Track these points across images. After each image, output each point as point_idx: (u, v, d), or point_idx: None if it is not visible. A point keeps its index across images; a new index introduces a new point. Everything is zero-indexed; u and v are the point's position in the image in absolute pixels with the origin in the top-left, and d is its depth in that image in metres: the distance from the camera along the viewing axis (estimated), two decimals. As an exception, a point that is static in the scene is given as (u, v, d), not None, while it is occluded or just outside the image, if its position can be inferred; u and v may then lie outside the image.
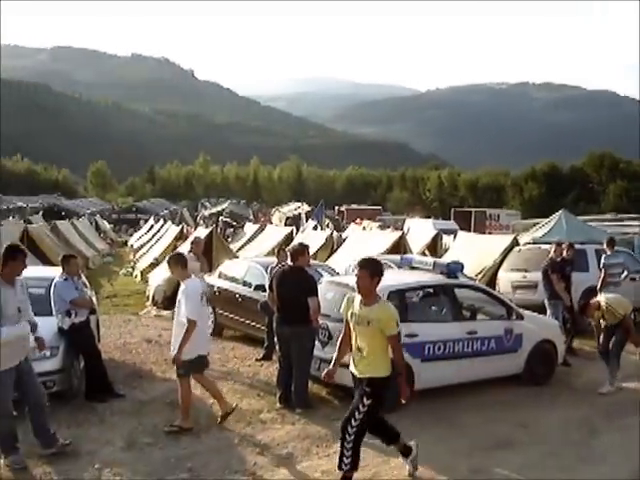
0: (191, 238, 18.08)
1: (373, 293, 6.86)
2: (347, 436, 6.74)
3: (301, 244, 10.72)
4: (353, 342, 6.99)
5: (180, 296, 8.57)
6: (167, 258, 9.51)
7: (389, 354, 6.84)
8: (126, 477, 7.16)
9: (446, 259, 14.61)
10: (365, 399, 6.74)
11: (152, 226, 46.40)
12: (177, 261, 8.83)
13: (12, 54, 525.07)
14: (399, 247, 20.50)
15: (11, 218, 48.42)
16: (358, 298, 6.94)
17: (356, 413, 6.74)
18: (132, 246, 44.34)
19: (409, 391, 7.05)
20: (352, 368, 7.03)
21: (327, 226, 40.97)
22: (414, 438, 7.50)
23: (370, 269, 6.82)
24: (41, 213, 57.67)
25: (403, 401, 6.93)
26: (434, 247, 22.87)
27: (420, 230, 30.08)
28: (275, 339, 10.16)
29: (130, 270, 30.96)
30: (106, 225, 57.71)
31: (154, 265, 25.55)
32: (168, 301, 18.65)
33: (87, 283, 11.12)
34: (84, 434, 8.39)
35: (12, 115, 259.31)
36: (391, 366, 6.87)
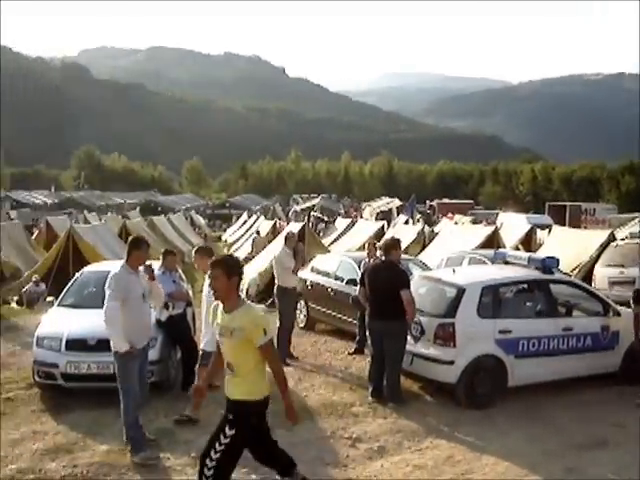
0: (284, 233, 18.27)
1: (233, 297, 5.57)
2: (205, 470, 5.53)
3: (393, 238, 10.72)
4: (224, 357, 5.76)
5: (207, 289, 8.56)
6: (195, 249, 9.76)
7: (266, 371, 5.68)
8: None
9: (541, 254, 14.34)
10: (227, 428, 5.55)
11: (245, 221, 47.10)
12: (207, 253, 9.08)
13: (109, 55, 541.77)
14: (492, 242, 20.25)
15: (110, 214, 50.07)
16: (221, 306, 5.72)
17: (216, 444, 5.53)
18: (226, 241, 45.13)
19: (296, 415, 5.91)
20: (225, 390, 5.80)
21: (418, 221, 40.80)
22: (507, 436, 7.42)
23: (226, 267, 5.52)
24: (138, 209, 59.43)
25: (291, 424, 5.97)
26: (528, 242, 22.49)
27: (513, 225, 29.64)
28: (367, 333, 10.20)
29: (224, 265, 31.43)
30: (201, 220, 58.89)
31: (248, 259, 25.96)
32: (262, 294, 18.97)
33: (183, 277, 11.38)
34: (182, 423, 8.60)
35: (109, 114, 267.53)
36: (267, 387, 5.74)
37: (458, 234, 23.47)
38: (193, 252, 9.86)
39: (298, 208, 66.43)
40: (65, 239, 21.64)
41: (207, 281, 8.51)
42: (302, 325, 14.98)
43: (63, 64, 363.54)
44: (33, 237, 30.86)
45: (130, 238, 8.13)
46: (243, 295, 17.62)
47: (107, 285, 7.54)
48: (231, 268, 5.53)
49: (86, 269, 12.59)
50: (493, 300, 9.69)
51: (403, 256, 12.45)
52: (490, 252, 15.02)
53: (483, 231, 22.22)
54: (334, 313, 14.16)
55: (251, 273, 21.01)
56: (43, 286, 19.95)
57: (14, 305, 19.76)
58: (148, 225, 33.91)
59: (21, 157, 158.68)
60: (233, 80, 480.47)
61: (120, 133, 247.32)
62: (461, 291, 9.66)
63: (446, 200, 73.60)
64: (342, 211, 64.78)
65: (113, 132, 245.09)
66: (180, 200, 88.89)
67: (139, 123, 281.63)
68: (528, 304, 10.72)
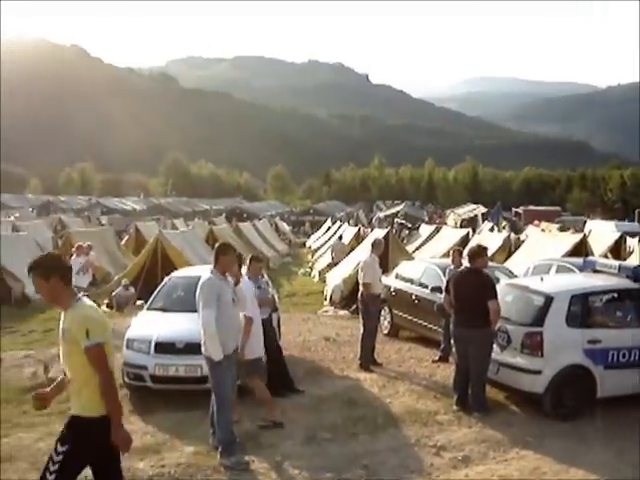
0: (368, 239, 18.28)
1: (61, 297, 4.90)
2: None
3: (479, 245, 10.59)
4: None
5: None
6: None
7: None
8: (305, 470, 7.37)
9: (632, 262, 13.94)
10: (59, 444, 4.80)
11: (329, 227, 47.27)
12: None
13: (195, 65, 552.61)
14: (580, 250, 19.75)
15: (197, 220, 51.03)
16: None
17: (50, 464, 4.79)
18: (310, 247, 45.36)
19: (128, 440, 4.82)
20: None
21: (504, 228, 40.18)
22: (595, 449, 7.21)
23: (40, 270, 4.89)
24: (224, 215, 60.30)
25: (122, 453, 4.96)
26: (617, 250, 21.83)
27: (602, 232, 28.86)
28: (452, 341, 10.10)
29: (308, 270, 31.68)
30: (285, 227, 59.32)
31: (332, 265, 26.07)
32: (346, 301, 19.01)
33: (269, 282, 11.49)
34: (266, 428, 8.68)
35: (196, 123, 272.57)
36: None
37: (545, 242, 22.95)
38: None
39: (382, 215, 66.35)
40: (154, 244, 22.12)
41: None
42: (386, 332, 14.95)
43: (151, 74, 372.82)
44: (123, 242, 31.66)
45: (217, 244, 8.23)
46: (326, 301, 17.59)
47: (199, 292, 7.65)
48: (46, 269, 4.88)
49: (174, 274, 12.88)
50: (582, 309, 9.46)
51: (490, 264, 12.28)
52: (579, 260, 14.67)
53: (570, 239, 21.69)
54: (418, 320, 14.08)
55: (335, 279, 21.10)
56: (132, 290, 20.43)
57: (104, 308, 20.27)
58: (234, 231, 34.39)
59: (111, 164, 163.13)
60: (317, 87, 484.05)
61: (206, 141, 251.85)
62: (549, 299, 9.47)
63: (532, 207, 72.37)
64: (426, 218, 64.38)
65: (200, 140, 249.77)
66: (265, 207, 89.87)
67: (225, 131, 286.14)
68: (618, 313, 10.41)
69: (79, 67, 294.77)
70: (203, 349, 7.64)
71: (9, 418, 9.37)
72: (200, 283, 7.69)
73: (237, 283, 8.30)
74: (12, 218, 48.20)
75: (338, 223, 46.10)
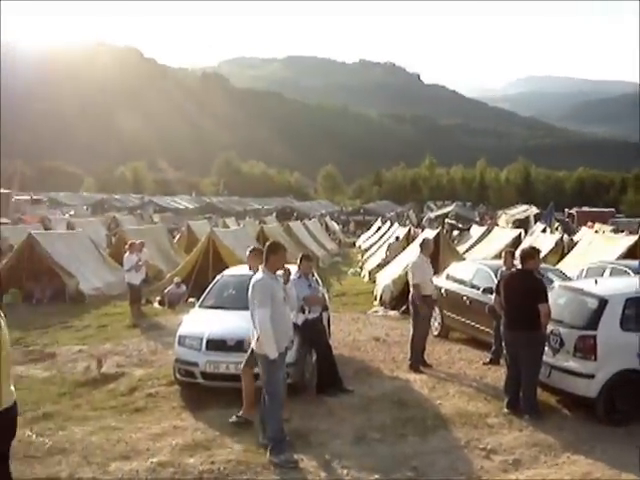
0: (418, 240, 18.18)
1: None
2: None
3: (532, 247, 10.50)
4: None
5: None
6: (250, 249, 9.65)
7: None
8: (354, 470, 7.35)
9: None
10: None
11: (379, 227, 47.17)
12: (259, 254, 8.87)
13: (247, 65, 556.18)
14: (635, 252, 19.35)
15: (247, 219, 51.44)
16: None
17: None
18: (360, 247, 45.34)
19: None
20: None
21: (557, 229, 39.62)
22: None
23: None
24: (274, 214, 60.62)
25: None
26: (674, 253, 21.35)
27: (659, 234, 28.25)
28: (503, 343, 10.00)
29: (358, 270, 31.66)
30: (335, 226, 59.38)
31: (382, 266, 26.01)
32: (395, 301, 18.96)
33: (320, 281, 11.52)
34: (315, 426, 8.73)
35: (248, 122, 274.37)
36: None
37: (598, 243, 22.56)
38: (247, 252, 9.91)
39: (432, 215, 65.97)
40: (206, 242, 22.34)
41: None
42: (436, 333, 14.86)
43: (204, 74, 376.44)
44: (175, 240, 32.03)
45: (267, 243, 8.26)
46: (376, 301, 17.55)
47: (252, 292, 7.71)
48: None
49: (226, 272, 13.00)
50: (637, 313, 9.29)
51: (542, 265, 12.14)
52: (634, 263, 14.42)
53: (625, 241, 21.26)
54: (469, 322, 13.97)
55: (385, 280, 21.04)
56: (184, 287, 20.65)
57: (156, 305, 20.57)
58: (284, 230, 34.59)
59: (163, 164, 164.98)
60: (368, 87, 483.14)
61: (258, 140, 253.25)
62: (603, 302, 9.32)
63: (586, 208, 71.22)
64: (477, 218, 63.82)
65: (251, 139, 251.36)
66: (315, 206, 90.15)
67: (276, 130, 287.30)
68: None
69: (133, 68, 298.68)
70: (256, 347, 7.69)
71: (63, 411, 9.57)
72: (252, 283, 7.75)
73: (287, 282, 8.34)
74: (67, 216, 49.23)
75: (388, 223, 45.97)
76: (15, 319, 18.27)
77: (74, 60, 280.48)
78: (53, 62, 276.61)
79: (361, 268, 31.92)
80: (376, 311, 19.25)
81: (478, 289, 13.87)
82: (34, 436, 8.42)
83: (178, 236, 33.92)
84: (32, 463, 7.55)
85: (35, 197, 74.97)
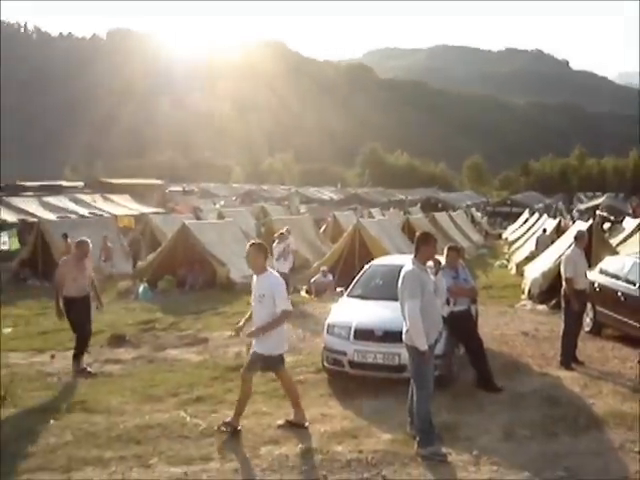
0: (569, 232, 17.64)
1: None
2: None
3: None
4: None
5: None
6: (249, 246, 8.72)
7: None
8: (503, 467, 7.20)
9: None
10: None
11: (527, 219, 46.11)
12: (258, 249, 8.41)
13: (391, 55, 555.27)
14: None
15: (392, 209, 51.51)
16: None
17: None
18: (507, 239, 44.52)
19: None
20: None
21: None
22: None
23: None
24: (419, 205, 60.39)
25: None
26: None
27: None
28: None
29: (505, 262, 31.08)
30: (481, 217, 58.55)
31: (530, 258, 25.41)
32: (545, 295, 18.45)
33: (468, 273, 11.30)
34: (463, 420, 8.62)
35: (393, 113, 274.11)
36: None
37: None
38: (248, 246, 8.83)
39: (582, 207, 63.81)
40: (352, 233, 22.57)
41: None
42: (588, 329, 14.35)
43: (349, 65, 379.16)
44: (321, 230, 32.51)
45: (418, 234, 8.13)
46: (524, 295, 17.14)
47: (402, 283, 7.66)
48: None
49: (374, 262, 13.07)
50: None
51: None
52: None
53: None
54: (623, 318, 13.39)
55: (533, 273, 20.52)
56: (330, 277, 20.93)
57: (303, 294, 20.96)
58: (430, 221, 34.43)
59: (309, 155, 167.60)
60: (514, 75, 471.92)
61: (402, 131, 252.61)
62: None
63: None
64: (630, 211, 61.12)
65: (395, 130, 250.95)
66: (460, 197, 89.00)
67: (421, 121, 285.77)
68: None
69: (279, 62, 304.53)
70: (406, 339, 7.68)
71: (215, 395, 9.93)
72: (403, 274, 7.71)
73: (437, 273, 8.28)
74: (218, 206, 50.94)
75: (536, 215, 44.85)
76: (169, 305, 19.25)
77: (230, 59, 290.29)
78: (209, 61, 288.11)
79: (508, 260, 31.33)
80: (524, 305, 18.81)
81: (634, 284, 13.30)
82: (188, 418, 8.77)
83: (324, 226, 34.42)
84: (186, 444, 7.86)
85: (187, 188, 78.09)
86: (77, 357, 11.51)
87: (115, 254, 25.49)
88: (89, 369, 11.46)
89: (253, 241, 8.92)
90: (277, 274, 8.52)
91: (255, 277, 8.35)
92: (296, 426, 8.28)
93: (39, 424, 8.59)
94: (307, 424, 8.36)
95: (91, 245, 11.90)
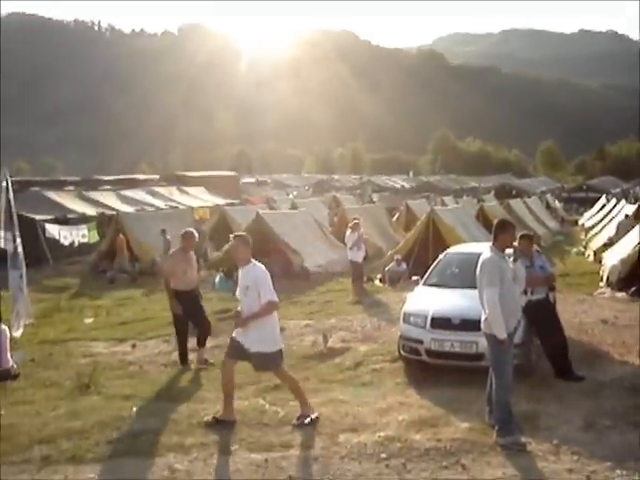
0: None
1: None
2: None
3: None
4: None
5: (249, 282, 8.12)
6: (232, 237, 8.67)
7: None
8: (584, 457, 7.09)
9: None
10: None
11: (604, 205, 45.12)
12: (243, 241, 8.35)
13: (462, 41, 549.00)
14: None
15: (465, 197, 51.04)
16: None
17: None
18: (583, 225, 43.67)
19: None
20: None
21: None
22: None
23: None
24: (492, 192, 59.66)
25: None
26: None
27: None
28: None
29: (582, 249, 30.46)
30: (556, 204, 57.52)
31: (608, 245, 24.87)
32: (624, 282, 18.04)
33: (546, 260, 11.12)
34: (543, 410, 8.52)
35: (463, 98, 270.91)
36: None
37: None
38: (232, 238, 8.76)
39: (661, 191, 62.07)
40: (426, 221, 22.45)
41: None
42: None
43: (419, 52, 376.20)
44: (394, 219, 32.44)
45: (496, 221, 8.09)
46: (602, 282, 16.79)
47: (480, 270, 7.61)
48: None
49: (450, 250, 13.04)
50: None
51: None
52: None
53: None
54: None
55: (612, 259, 20.07)
56: (404, 265, 20.87)
57: (377, 282, 20.97)
58: (504, 208, 33.98)
59: (381, 143, 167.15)
60: (588, 58, 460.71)
61: (474, 117, 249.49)
62: None
63: None
64: None
65: (467, 116, 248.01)
66: (535, 183, 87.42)
67: (493, 106, 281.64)
68: None
69: (349, 51, 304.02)
70: (485, 327, 7.64)
71: (293, 383, 10.04)
72: (481, 261, 7.66)
73: (515, 260, 8.20)
74: (291, 196, 51.34)
75: (614, 200, 43.82)
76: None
77: (297, 50, 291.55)
78: (277, 54, 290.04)
79: (585, 247, 30.69)
80: (602, 292, 18.39)
81: None
82: (267, 405, 8.91)
83: (397, 215, 34.32)
84: (266, 431, 7.98)
85: (260, 179, 78.82)
86: (200, 347, 11.47)
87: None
88: (210, 360, 11.33)
89: (236, 233, 8.97)
90: (262, 266, 8.34)
91: (240, 269, 8.38)
92: (303, 418, 8.21)
93: (122, 411, 8.84)
94: (315, 415, 8.27)
95: (197, 236, 11.99)
